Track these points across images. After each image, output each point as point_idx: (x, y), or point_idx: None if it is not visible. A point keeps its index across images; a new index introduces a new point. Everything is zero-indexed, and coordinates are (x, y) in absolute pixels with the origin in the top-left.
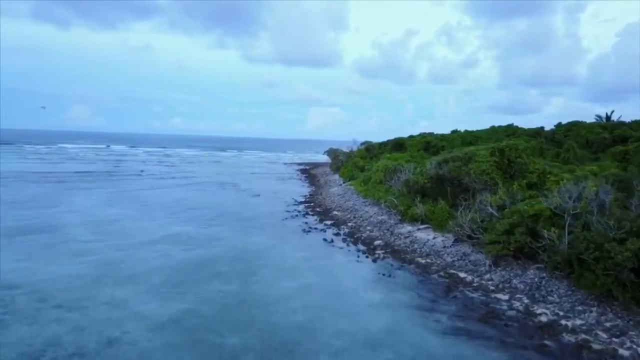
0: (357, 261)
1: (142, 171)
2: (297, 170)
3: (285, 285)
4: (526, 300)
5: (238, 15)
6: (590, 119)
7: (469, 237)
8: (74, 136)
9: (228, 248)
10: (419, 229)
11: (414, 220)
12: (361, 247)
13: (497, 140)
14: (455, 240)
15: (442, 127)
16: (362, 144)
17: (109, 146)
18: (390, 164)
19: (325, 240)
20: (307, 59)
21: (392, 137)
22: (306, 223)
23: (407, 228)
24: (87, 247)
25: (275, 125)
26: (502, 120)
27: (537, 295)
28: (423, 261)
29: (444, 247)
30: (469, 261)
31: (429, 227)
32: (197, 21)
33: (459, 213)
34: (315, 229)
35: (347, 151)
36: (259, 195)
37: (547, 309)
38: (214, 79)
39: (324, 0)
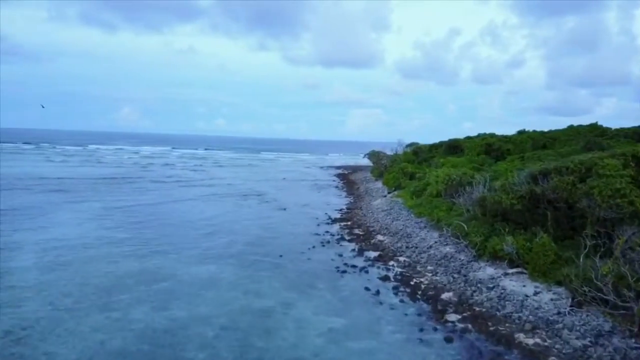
0: (420, 339)
1: (168, 177)
2: (335, 175)
3: None
4: None
5: (279, 17)
6: None
7: (604, 300)
8: (117, 137)
9: (218, 306)
10: (506, 274)
11: (496, 257)
12: (423, 305)
13: (589, 146)
14: (575, 301)
15: (486, 129)
16: (408, 145)
17: (137, 150)
18: (454, 173)
19: (367, 290)
20: (348, 60)
21: (434, 138)
22: (340, 256)
23: (487, 271)
24: (11, 312)
25: (316, 126)
26: (550, 122)
27: None
28: (530, 342)
29: (558, 313)
30: (615, 349)
31: (521, 272)
32: (238, 23)
33: (581, 257)
34: (354, 267)
35: (391, 154)
36: (285, 210)
37: None
38: (256, 81)
39: (366, 1)
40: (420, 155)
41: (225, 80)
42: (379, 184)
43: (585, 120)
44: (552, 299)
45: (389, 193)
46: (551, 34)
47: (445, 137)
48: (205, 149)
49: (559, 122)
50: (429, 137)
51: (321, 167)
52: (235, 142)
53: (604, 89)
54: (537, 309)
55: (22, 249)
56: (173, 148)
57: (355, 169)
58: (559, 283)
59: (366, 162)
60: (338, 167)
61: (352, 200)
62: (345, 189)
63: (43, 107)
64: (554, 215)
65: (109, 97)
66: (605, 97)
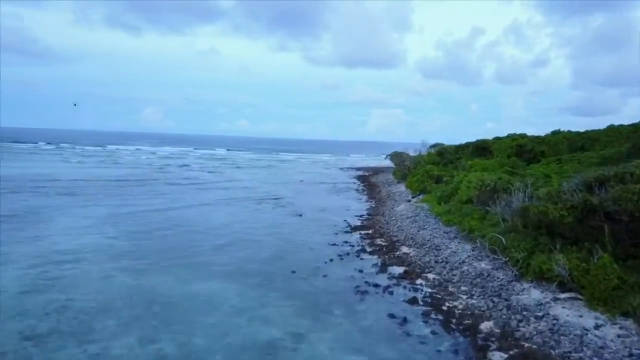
0: None
1: (184, 179)
2: (355, 177)
3: None
4: None
5: (300, 18)
6: None
7: None
8: (139, 137)
9: (216, 338)
10: (556, 299)
11: (542, 278)
12: (459, 338)
13: (638, 147)
14: None
15: (510, 129)
16: (432, 146)
17: (156, 151)
18: (488, 178)
19: (392, 317)
20: (369, 60)
21: (456, 138)
22: (361, 272)
23: (533, 294)
24: None
25: (337, 127)
26: (576, 122)
27: None
28: None
29: (630, 354)
30: None
31: (575, 298)
32: (259, 24)
33: None
34: (376, 286)
35: (414, 155)
36: (301, 215)
37: None
38: (277, 81)
39: (387, 0)
40: (445, 157)
41: (247, 81)
42: (402, 187)
43: (611, 120)
44: (619, 335)
45: (413, 197)
46: (577, 33)
47: (467, 138)
48: (227, 150)
49: (585, 123)
50: (450, 137)
51: (341, 169)
52: (256, 143)
53: (632, 89)
54: (601, 347)
55: (9, 263)
56: (195, 148)
57: (377, 170)
58: (626, 314)
59: (388, 163)
60: (358, 169)
61: (373, 205)
62: (366, 193)
63: (75, 105)
64: (612, 229)
65: (132, 98)
66: (633, 97)
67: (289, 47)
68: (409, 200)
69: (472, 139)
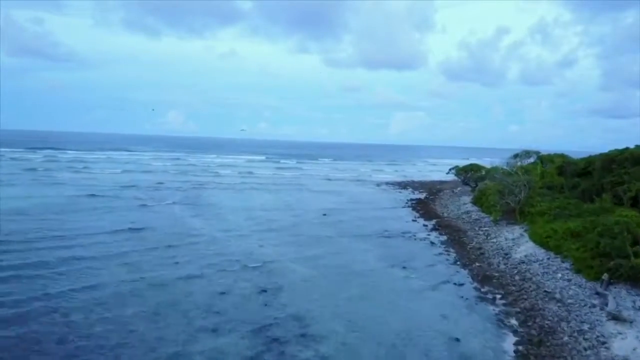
0: None
1: (131, 223)
2: (408, 204)
3: None
4: None
5: (319, 19)
6: None
7: None
8: (156, 141)
9: None
10: None
11: None
12: None
13: None
14: None
15: (535, 132)
16: (516, 156)
17: (148, 158)
18: None
19: None
20: (390, 62)
21: (478, 142)
22: None
23: None
24: None
25: (358, 129)
26: (605, 125)
27: None
28: None
29: None
30: None
31: None
32: (278, 26)
33: None
34: None
35: (507, 170)
36: None
37: None
38: (297, 84)
39: (409, 0)
40: (570, 177)
41: (267, 83)
42: (525, 242)
43: None
44: None
45: (603, 288)
46: (607, 31)
47: (490, 141)
48: (241, 154)
49: (616, 125)
50: (472, 140)
51: (378, 185)
52: (275, 147)
53: None
54: None
55: None
56: (217, 156)
57: (430, 187)
58: None
59: (429, 173)
60: (402, 185)
61: (524, 333)
62: (459, 257)
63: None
64: None
65: (155, 101)
66: None
67: (308, 49)
68: (610, 316)
69: (497, 142)
